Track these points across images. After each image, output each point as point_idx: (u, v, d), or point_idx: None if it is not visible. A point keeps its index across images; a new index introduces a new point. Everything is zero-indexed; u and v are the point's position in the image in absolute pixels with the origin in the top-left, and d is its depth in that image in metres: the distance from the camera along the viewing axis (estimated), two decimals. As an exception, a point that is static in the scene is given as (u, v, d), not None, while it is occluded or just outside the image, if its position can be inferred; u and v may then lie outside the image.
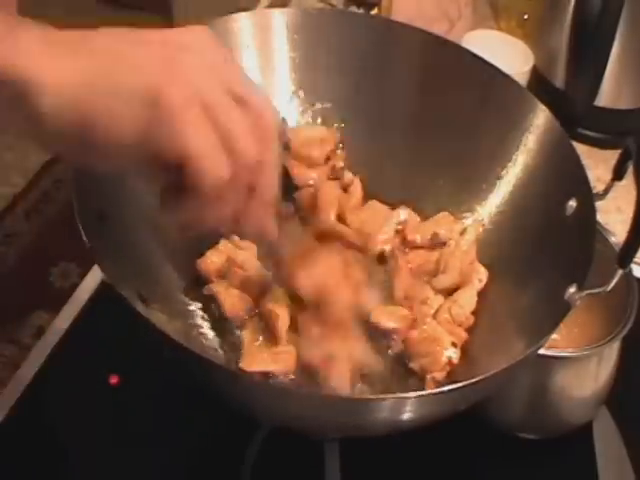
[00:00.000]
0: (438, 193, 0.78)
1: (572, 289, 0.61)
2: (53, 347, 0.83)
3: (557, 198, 0.69)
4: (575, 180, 0.68)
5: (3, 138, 2.19)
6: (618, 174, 0.69)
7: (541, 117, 0.73)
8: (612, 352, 0.76)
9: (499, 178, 0.75)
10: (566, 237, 0.68)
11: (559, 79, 1.07)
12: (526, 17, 1.20)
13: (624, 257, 0.64)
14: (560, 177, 0.70)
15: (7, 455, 0.75)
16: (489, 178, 0.76)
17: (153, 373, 0.77)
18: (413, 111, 0.79)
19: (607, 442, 0.79)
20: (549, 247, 0.69)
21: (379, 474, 0.76)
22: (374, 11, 1.17)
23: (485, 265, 0.74)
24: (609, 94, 1.05)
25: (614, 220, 0.92)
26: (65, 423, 0.78)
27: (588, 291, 0.61)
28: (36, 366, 0.81)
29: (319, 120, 0.80)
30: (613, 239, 0.77)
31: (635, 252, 0.63)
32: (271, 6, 1.22)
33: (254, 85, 0.51)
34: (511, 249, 0.73)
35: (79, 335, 0.84)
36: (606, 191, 0.70)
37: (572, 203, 0.67)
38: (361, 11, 1.18)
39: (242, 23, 0.76)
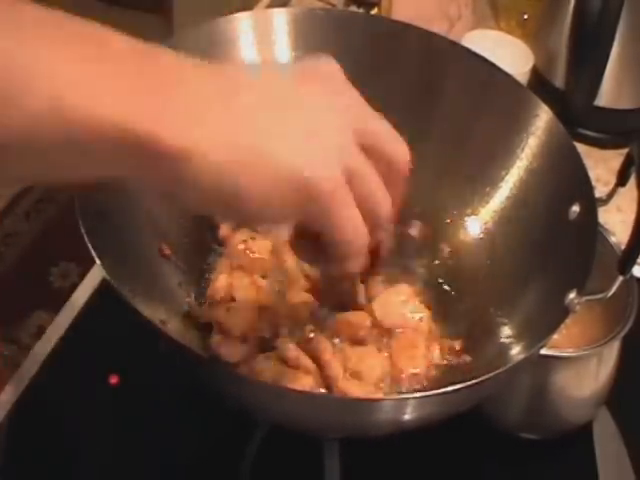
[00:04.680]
0: (441, 195, 0.78)
1: (572, 295, 0.61)
2: (53, 347, 0.83)
3: (559, 203, 0.69)
4: (578, 185, 0.67)
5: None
6: (622, 180, 0.68)
7: (544, 119, 0.72)
8: (612, 352, 0.76)
9: (502, 180, 0.75)
10: (567, 242, 0.67)
11: (559, 79, 1.07)
12: (526, 17, 1.20)
13: (624, 264, 0.63)
14: (563, 181, 0.70)
15: (7, 455, 0.75)
16: (493, 180, 0.76)
17: (153, 373, 0.77)
18: (414, 111, 0.79)
19: (607, 442, 0.79)
20: (550, 251, 0.69)
21: (378, 473, 0.76)
22: (374, 11, 1.17)
23: (486, 267, 0.74)
24: (609, 94, 1.05)
25: (614, 220, 0.92)
26: (65, 423, 0.78)
27: (588, 297, 0.61)
28: (36, 366, 0.81)
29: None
30: (613, 239, 0.77)
31: (636, 259, 0.63)
32: (271, 6, 1.22)
33: (381, 120, 0.52)
34: (512, 251, 0.73)
35: (79, 335, 0.84)
36: (609, 196, 0.70)
37: (575, 208, 0.67)
38: (361, 11, 1.18)
39: (242, 23, 0.76)
